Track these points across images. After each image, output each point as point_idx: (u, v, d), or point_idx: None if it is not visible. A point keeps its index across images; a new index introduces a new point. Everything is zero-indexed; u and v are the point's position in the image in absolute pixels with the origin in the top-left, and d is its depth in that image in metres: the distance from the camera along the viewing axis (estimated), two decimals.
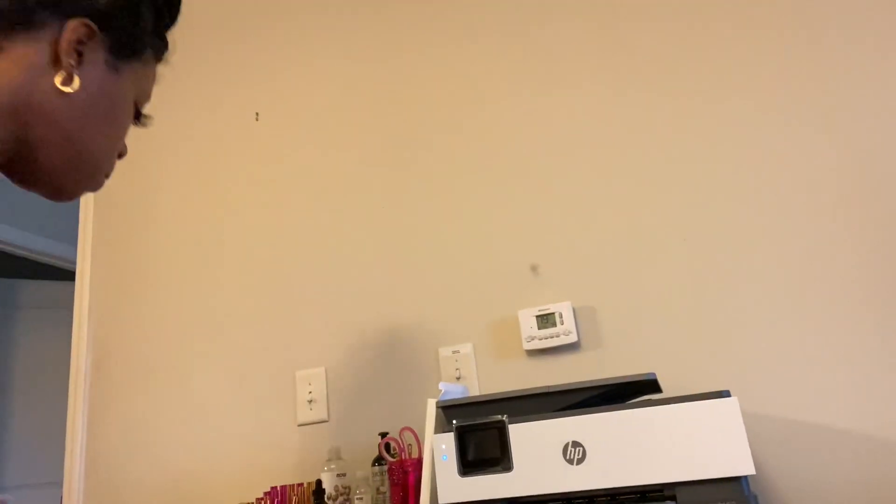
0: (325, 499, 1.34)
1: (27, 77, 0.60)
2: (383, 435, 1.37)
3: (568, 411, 0.99)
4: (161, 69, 0.76)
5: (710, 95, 1.44)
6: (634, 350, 1.35)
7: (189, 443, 1.66)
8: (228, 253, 1.79)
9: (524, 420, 1.00)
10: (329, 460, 1.42)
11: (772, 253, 1.32)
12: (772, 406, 1.24)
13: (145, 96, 0.72)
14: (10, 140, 0.60)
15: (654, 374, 1.04)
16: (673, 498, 0.90)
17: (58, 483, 1.86)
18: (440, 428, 1.11)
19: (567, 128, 1.54)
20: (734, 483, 0.88)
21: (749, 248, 1.33)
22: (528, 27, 1.64)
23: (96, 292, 1.92)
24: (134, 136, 1.05)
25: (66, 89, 0.62)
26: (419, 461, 1.28)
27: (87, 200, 2.03)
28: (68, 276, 2.25)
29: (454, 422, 1.04)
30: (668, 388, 1.12)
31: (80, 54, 0.63)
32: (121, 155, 0.73)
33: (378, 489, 1.34)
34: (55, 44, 0.61)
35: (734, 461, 0.88)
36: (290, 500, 1.38)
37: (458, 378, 1.46)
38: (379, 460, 1.35)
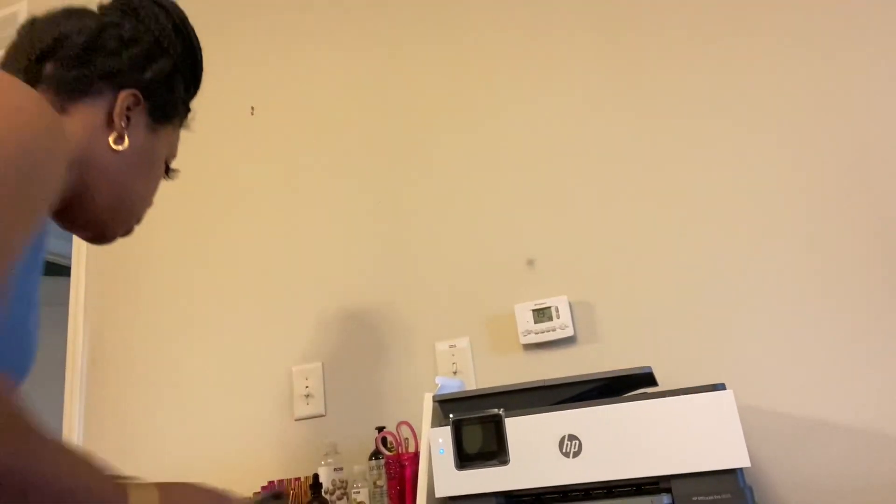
0: (323, 493, 1.34)
1: (88, 136, 0.72)
2: (380, 429, 1.37)
3: (564, 405, 0.99)
4: None
5: (707, 91, 1.45)
6: (630, 344, 1.36)
7: (186, 438, 1.66)
8: (224, 248, 1.79)
9: (520, 413, 1.00)
10: (326, 454, 1.42)
11: (767, 247, 1.32)
12: (767, 399, 1.25)
13: (173, 154, 0.86)
14: (71, 188, 0.70)
15: (649, 367, 1.04)
16: (668, 490, 0.90)
17: None
18: (437, 422, 1.11)
19: (564, 123, 1.54)
20: (729, 475, 0.88)
21: (744, 243, 1.34)
22: (527, 23, 1.64)
23: (92, 288, 1.92)
24: None
25: (118, 147, 0.74)
26: (416, 455, 1.28)
27: None
28: (64, 271, 2.24)
29: (451, 415, 1.04)
30: (664, 382, 1.12)
31: (128, 119, 0.75)
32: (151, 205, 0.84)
33: (375, 483, 1.34)
34: (110, 109, 0.74)
35: (729, 454, 0.88)
36: (288, 495, 1.38)
37: (454, 372, 1.46)
38: (376, 454, 1.36)
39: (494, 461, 0.99)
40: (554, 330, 1.39)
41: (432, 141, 1.65)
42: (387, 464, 1.32)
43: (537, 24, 1.62)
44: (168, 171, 0.86)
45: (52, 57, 0.72)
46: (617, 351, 1.36)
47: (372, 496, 1.34)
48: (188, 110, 0.88)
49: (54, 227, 0.74)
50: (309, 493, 1.33)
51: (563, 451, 0.96)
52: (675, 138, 1.44)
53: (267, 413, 1.60)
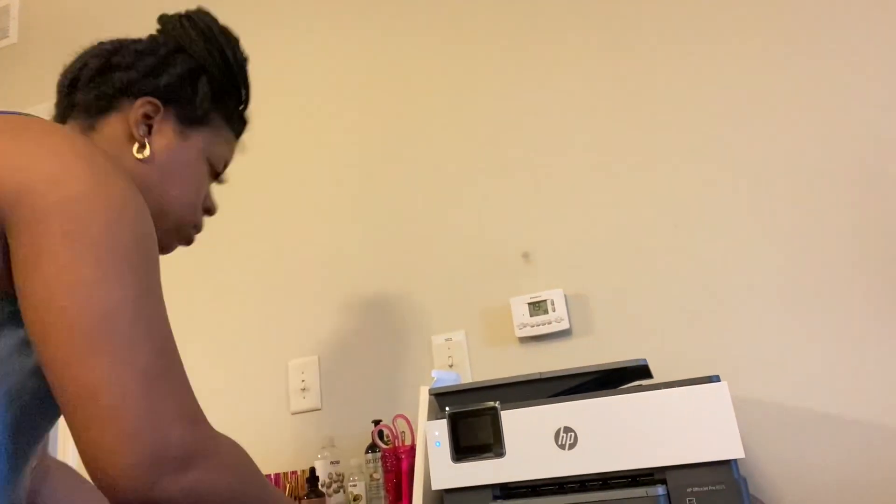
0: (319, 486, 1.34)
1: (115, 151, 0.74)
2: (376, 422, 1.37)
3: (560, 397, 0.99)
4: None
5: (702, 85, 1.45)
6: (625, 336, 1.36)
7: None
8: (220, 242, 1.78)
9: (516, 406, 1.00)
10: (323, 448, 1.42)
11: (762, 241, 1.33)
12: (761, 391, 1.25)
13: (219, 159, 0.84)
14: None
15: (644, 360, 1.04)
16: (663, 481, 0.91)
17: None
18: (433, 415, 1.11)
19: (559, 117, 1.54)
20: (724, 466, 0.89)
21: (739, 235, 1.34)
22: (524, 16, 1.63)
23: None
24: None
25: (140, 156, 0.74)
26: (412, 448, 1.29)
27: None
28: None
29: (447, 408, 1.04)
30: (659, 374, 1.13)
31: (149, 127, 0.76)
32: (209, 211, 0.85)
33: (371, 476, 1.34)
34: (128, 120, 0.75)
35: (724, 445, 0.89)
36: (284, 488, 1.38)
37: (450, 365, 1.46)
38: (372, 447, 1.36)
39: (490, 454, 0.99)
40: (549, 323, 1.39)
41: (428, 136, 1.65)
42: (383, 457, 1.32)
43: (533, 16, 1.62)
44: (217, 177, 0.86)
45: (77, 84, 0.76)
46: (612, 344, 1.37)
47: (368, 489, 1.35)
48: (236, 116, 0.87)
49: None
50: (305, 486, 1.33)
51: (559, 443, 0.96)
52: (671, 132, 1.44)
53: (263, 407, 1.61)
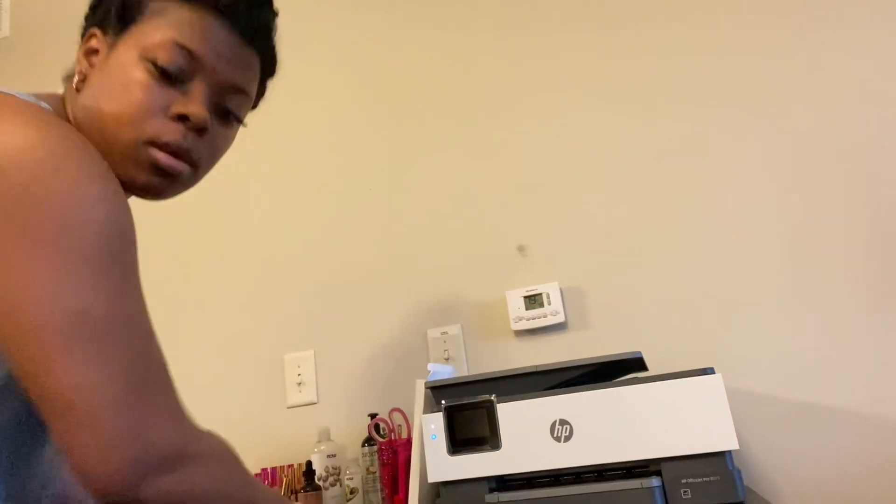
0: (316, 480, 1.35)
1: (71, 101, 0.67)
2: (373, 416, 1.38)
3: (555, 390, 1.00)
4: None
5: (698, 80, 1.45)
6: (621, 329, 1.37)
7: None
8: (216, 236, 1.78)
9: (512, 399, 1.00)
10: (319, 442, 1.43)
11: (756, 233, 1.33)
12: (755, 383, 1.26)
13: (166, 49, 0.65)
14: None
15: (639, 352, 1.05)
16: (658, 473, 0.91)
17: None
18: (429, 408, 1.12)
19: (555, 111, 1.54)
20: (718, 458, 0.89)
21: (734, 229, 1.35)
22: (522, 13, 1.63)
23: None
24: None
25: (78, 88, 0.67)
26: (408, 441, 1.29)
27: None
28: None
29: (443, 402, 1.05)
30: (654, 366, 1.13)
31: (91, 65, 0.67)
32: (184, 118, 0.66)
33: (368, 469, 1.35)
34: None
35: (718, 436, 0.89)
36: (281, 482, 1.39)
37: (446, 359, 1.46)
38: (369, 441, 1.36)
39: (486, 446, 1.00)
40: (545, 316, 1.39)
41: (424, 130, 1.64)
42: (380, 450, 1.32)
43: (529, 13, 1.61)
44: (161, 71, 0.65)
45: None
46: (607, 336, 1.37)
47: (365, 482, 1.35)
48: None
49: None
50: (302, 479, 1.33)
51: (555, 435, 0.97)
52: (666, 126, 1.44)
53: (259, 401, 1.61)
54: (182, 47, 0.65)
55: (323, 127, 1.75)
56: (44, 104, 0.62)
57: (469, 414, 1.02)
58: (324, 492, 1.35)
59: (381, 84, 1.71)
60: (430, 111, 1.65)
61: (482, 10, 1.66)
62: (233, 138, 0.79)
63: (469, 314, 1.49)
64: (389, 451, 1.30)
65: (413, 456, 1.12)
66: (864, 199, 1.28)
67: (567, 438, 0.96)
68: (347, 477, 1.39)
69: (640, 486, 0.90)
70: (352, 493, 1.38)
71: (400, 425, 1.36)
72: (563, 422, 0.97)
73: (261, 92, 0.84)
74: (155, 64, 0.64)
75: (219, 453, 0.58)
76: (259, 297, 1.68)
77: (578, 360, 1.06)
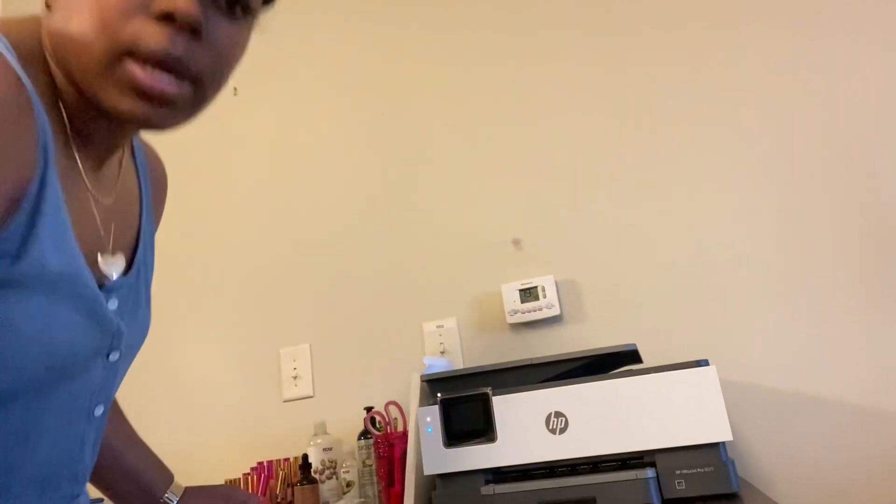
0: (312, 473, 1.35)
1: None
2: (369, 409, 1.38)
3: (551, 382, 1.00)
4: None
5: (688, 75, 1.45)
6: (615, 322, 1.37)
7: (175, 421, 1.66)
8: (212, 231, 1.77)
9: (508, 392, 1.01)
10: (315, 435, 1.43)
11: (749, 226, 1.34)
12: (749, 375, 1.27)
13: None
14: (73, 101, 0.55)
15: (634, 345, 1.05)
16: (653, 464, 0.92)
17: None
18: (425, 401, 1.12)
19: (550, 105, 1.54)
20: (712, 449, 0.90)
21: (727, 222, 1.35)
22: (518, 7, 1.62)
23: None
24: None
25: (51, 2, 0.54)
26: (404, 434, 1.29)
27: None
28: None
29: (439, 395, 1.05)
30: (649, 359, 1.14)
31: None
32: (169, 16, 0.51)
33: (364, 462, 1.35)
34: None
35: (712, 428, 0.90)
36: (277, 475, 1.39)
37: (442, 352, 1.47)
38: (365, 434, 1.37)
39: (482, 439, 1.00)
40: (540, 309, 1.40)
41: (420, 124, 1.64)
42: (376, 443, 1.33)
43: (526, 14, 1.61)
44: None
45: None
46: (602, 329, 1.38)
47: (361, 475, 1.36)
48: None
49: None
50: (299, 473, 1.34)
51: (550, 427, 0.97)
52: (659, 121, 1.44)
53: (255, 395, 1.61)
54: None
55: (319, 121, 1.74)
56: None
57: (465, 407, 1.03)
58: (320, 485, 1.35)
59: (379, 79, 1.71)
60: (425, 106, 1.65)
61: (481, 10, 1.65)
62: (245, 40, 0.60)
63: (465, 307, 1.49)
64: (385, 444, 1.31)
65: (409, 449, 1.12)
66: (857, 192, 1.29)
67: (562, 430, 0.97)
68: (344, 470, 1.39)
69: (634, 478, 0.90)
70: (348, 486, 1.38)
71: (396, 418, 1.36)
72: (558, 414, 0.97)
73: None
74: None
75: None
76: (254, 291, 1.68)
77: (573, 352, 1.06)
